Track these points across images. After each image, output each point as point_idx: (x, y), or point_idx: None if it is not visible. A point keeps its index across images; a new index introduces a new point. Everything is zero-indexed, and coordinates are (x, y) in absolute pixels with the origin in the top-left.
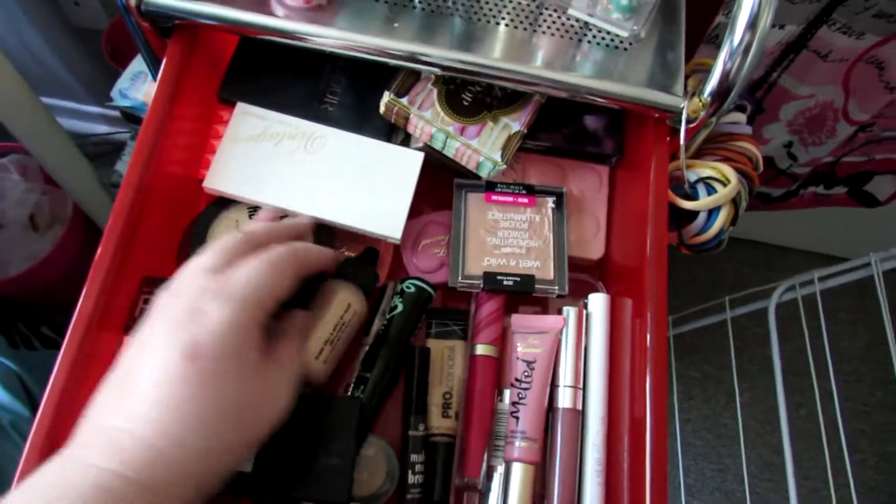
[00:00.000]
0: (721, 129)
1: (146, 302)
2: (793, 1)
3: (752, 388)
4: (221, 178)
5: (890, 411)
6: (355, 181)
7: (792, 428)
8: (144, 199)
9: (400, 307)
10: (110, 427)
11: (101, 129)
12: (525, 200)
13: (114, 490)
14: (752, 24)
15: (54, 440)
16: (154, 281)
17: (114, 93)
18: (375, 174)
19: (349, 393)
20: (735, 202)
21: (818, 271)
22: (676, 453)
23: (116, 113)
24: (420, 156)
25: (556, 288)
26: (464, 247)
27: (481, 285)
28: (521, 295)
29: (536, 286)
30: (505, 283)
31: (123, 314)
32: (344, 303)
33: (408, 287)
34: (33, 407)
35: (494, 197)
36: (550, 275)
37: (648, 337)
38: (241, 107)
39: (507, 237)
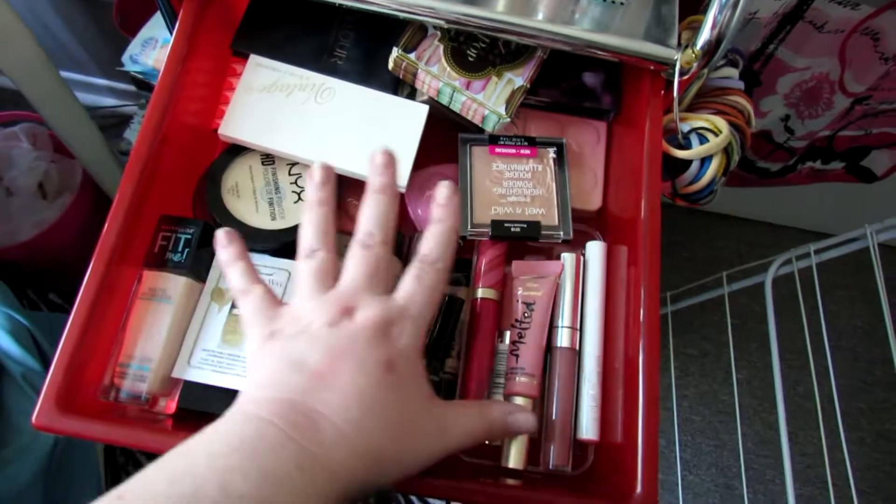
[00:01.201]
0: (714, 84)
1: (164, 239)
2: None
3: (749, 365)
4: (235, 125)
5: (889, 389)
6: (362, 131)
7: (788, 405)
8: (162, 146)
9: None
10: (310, 409)
11: (108, 101)
12: (527, 151)
13: (306, 468)
14: None
15: (78, 364)
16: (171, 219)
17: (124, 58)
18: (382, 125)
19: None
20: (727, 152)
21: (814, 244)
22: (673, 428)
23: (124, 86)
24: (425, 108)
25: (561, 233)
26: (471, 198)
27: (489, 233)
28: (528, 241)
29: (542, 231)
30: (512, 229)
31: (142, 249)
32: None
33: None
34: (44, 362)
35: (498, 149)
36: (555, 220)
37: (642, 282)
38: (254, 58)
39: (512, 187)
